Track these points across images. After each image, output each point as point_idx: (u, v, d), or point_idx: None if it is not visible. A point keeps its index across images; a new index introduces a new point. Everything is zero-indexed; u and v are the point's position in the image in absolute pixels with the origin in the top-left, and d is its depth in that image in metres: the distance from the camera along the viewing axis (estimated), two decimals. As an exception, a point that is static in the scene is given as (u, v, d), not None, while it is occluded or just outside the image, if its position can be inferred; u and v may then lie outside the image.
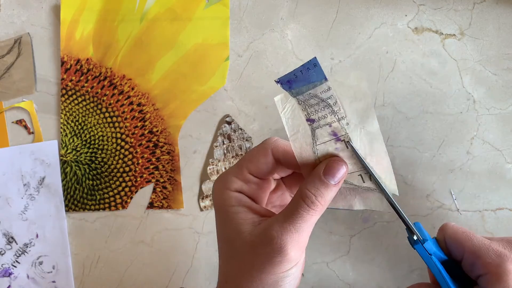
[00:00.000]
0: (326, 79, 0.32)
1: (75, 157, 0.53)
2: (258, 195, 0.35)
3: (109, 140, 0.53)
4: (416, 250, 0.34)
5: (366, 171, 0.33)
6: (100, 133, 0.53)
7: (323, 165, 0.32)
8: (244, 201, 0.33)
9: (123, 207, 0.53)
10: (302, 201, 0.31)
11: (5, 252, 0.52)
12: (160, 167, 0.53)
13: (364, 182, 0.34)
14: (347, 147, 0.33)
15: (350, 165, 0.33)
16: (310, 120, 0.32)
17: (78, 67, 0.53)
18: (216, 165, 0.52)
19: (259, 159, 0.34)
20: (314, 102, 0.32)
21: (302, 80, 0.32)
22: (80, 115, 0.53)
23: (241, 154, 0.52)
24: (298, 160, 0.33)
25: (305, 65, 0.31)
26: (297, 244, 0.31)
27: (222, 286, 0.34)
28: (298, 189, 0.32)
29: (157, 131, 0.53)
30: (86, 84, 0.53)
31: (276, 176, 0.37)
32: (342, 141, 0.32)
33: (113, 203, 0.52)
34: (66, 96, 0.53)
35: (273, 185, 0.37)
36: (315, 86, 0.32)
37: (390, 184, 0.34)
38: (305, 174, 0.34)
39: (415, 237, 0.34)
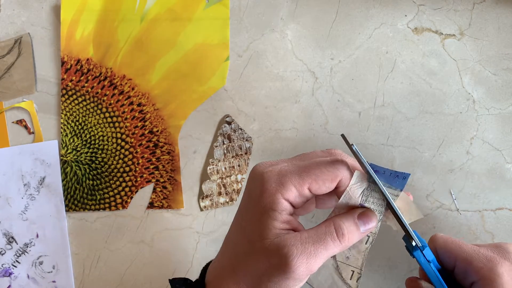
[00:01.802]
0: (401, 190, 0.35)
1: (75, 157, 0.53)
2: (301, 205, 0.35)
3: (109, 140, 0.53)
4: (415, 258, 0.34)
5: (360, 271, 0.35)
6: (100, 133, 0.53)
7: (360, 210, 0.34)
8: (286, 211, 0.33)
9: (123, 207, 0.53)
10: (334, 230, 0.32)
11: (5, 252, 0.52)
12: (160, 167, 0.53)
13: (350, 279, 0.36)
14: (365, 243, 0.35)
15: (352, 259, 0.36)
16: (362, 206, 0.34)
17: (78, 67, 0.54)
18: (216, 165, 0.52)
19: (325, 182, 0.33)
20: (377, 196, 0.34)
21: (385, 179, 0.35)
22: (81, 115, 0.53)
23: (241, 154, 0.52)
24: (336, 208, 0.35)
25: (398, 173, 0.35)
26: (309, 268, 0.31)
27: (225, 272, 0.34)
28: (330, 218, 0.33)
29: (157, 131, 0.53)
30: (86, 84, 0.54)
31: None
32: (368, 236, 0.35)
33: (113, 203, 0.53)
34: (66, 96, 0.53)
35: None
36: (390, 188, 0.35)
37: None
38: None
39: (413, 243, 0.34)
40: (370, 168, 0.34)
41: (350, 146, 0.34)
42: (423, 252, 0.34)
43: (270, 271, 0.31)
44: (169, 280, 0.38)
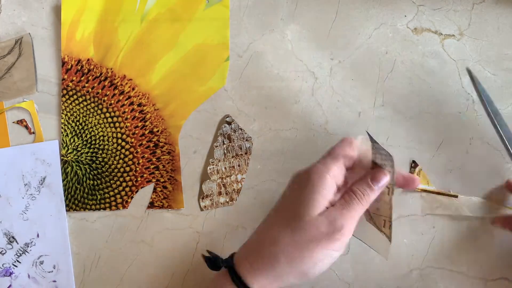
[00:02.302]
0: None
1: (75, 157, 0.53)
2: (342, 180, 0.41)
3: (110, 140, 0.53)
4: None
5: (390, 219, 0.41)
6: (100, 133, 0.53)
7: (370, 173, 0.41)
8: (332, 189, 0.40)
9: (124, 207, 0.53)
10: (354, 195, 0.40)
11: (6, 252, 0.52)
12: (161, 167, 0.53)
13: (384, 227, 0.42)
14: (388, 194, 0.41)
15: (382, 209, 0.42)
16: (373, 163, 0.42)
17: (79, 67, 0.54)
18: (216, 165, 0.52)
19: (345, 148, 0.41)
20: (384, 153, 0.40)
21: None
22: (81, 115, 0.53)
23: (241, 154, 0.53)
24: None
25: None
26: (350, 227, 0.39)
27: (259, 248, 0.40)
28: (350, 187, 0.41)
29: (158, 131, 0.53)
30: (86, 85, 0.54)
31: None
32: (388, 188, 0.41)
33: (113, 203, 0.53)
34: (67, 96, 0.54)
35: None
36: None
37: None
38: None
39: None
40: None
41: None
42: None
43: (320, 237, 0.38)
44: (203, 255, 0.43)
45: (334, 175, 0.40)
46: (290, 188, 0.42)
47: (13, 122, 0.54)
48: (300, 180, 0.41)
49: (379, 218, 0.42)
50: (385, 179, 0.41)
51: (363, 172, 0.42)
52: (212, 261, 0.42)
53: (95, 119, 0.53)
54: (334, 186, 0.40)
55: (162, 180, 0.53)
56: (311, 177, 0.40)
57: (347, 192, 0.40)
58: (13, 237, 0.52)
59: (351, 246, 0.51)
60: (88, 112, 0.53)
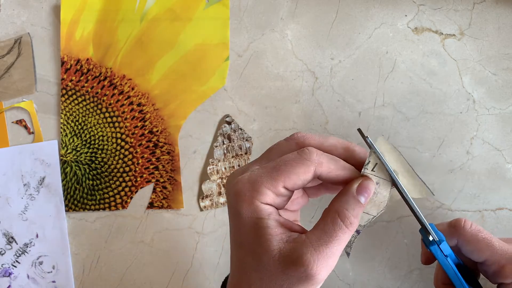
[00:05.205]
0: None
1: (75, 157, 0.53)
2: (284, 204, 0.33)
3: (109, 140, 0.53)
4: (432, 251, 0.34)
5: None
6: (100, 133, 0.53)
7: (356, 183, 0.31)
8: (273, 214, 0.31)
9: (123, 207, 0.53)
10: (341, 222, 0.30)
11: (5, 252, 0.52)
12: (160, 167, 0.53)
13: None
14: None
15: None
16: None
17: (78, 67, 0.54)
18: (216, 165, 0.52)
19: (299, 176, 0.31)
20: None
21: None
22: (80, 115, 0.53)
23: (241, 154, 0.52)
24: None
25: None
26: (330, 268, 0.30)
27: None
28: (331, 207, 0.31)
29: (157, 131, 0.53)
30: (86, 84, 0.53)
31: None
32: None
33: (113, 203, 0.53)
34: (66, 96, 0.53)
35: None
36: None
37: (417, 190, 0.33)
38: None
39: (430, 238, 0.34)
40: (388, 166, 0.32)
41: (364, 139, 0.33)
42: (440, 246, 0.33)
43: (289, 282, 0.30)
44: None
45: (267, 202, 0.31)
46: (228, 207, 0.33)
47: (12, 122, 0.54)
48: (232, 202, 0.32)
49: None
50: (371, 190, 0.32)
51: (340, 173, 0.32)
52: None
53: (95, 119, 0.53)
54: (272, 210, 0.31)
55: (161, 180, 0.53)
56: (242, 208, 0.31)
57: (330, 215, 0.31)
58: (12, 238, 0.52)
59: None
60: (87, 112, 0.53)
